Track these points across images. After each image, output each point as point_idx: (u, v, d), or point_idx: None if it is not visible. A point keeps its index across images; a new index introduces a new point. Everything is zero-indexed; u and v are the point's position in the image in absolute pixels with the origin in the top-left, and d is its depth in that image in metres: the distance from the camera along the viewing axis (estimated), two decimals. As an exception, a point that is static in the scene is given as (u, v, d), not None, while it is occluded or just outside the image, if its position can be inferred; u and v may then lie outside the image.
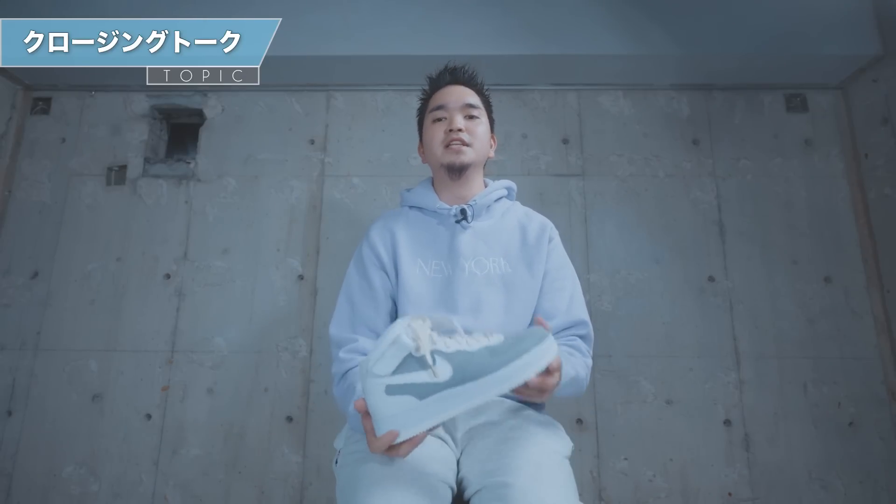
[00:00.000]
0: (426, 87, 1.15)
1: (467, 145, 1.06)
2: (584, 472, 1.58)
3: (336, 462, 0.90)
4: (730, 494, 1.56)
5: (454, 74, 1.12)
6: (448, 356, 0.71)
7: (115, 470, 1.60)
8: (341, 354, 0.97)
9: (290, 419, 1.63)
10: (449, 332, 0.75)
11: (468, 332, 0.77)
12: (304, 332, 1.69)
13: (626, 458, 1.59)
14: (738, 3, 1.69)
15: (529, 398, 0.84)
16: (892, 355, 1.63)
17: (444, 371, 0.70)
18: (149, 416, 1.63)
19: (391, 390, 0.71)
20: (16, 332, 1.69)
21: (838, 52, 1.68)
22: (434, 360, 0.71)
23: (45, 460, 1.61)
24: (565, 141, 1.83)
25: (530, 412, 0.96)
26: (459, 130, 1.05)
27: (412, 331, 0.71)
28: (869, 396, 1.61)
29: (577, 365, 0.95)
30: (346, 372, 0.95)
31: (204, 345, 1.68)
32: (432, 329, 0.73)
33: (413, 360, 0.71)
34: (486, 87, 1.15)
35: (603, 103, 1.86)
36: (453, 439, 0.89)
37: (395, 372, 0.71)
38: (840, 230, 1.73)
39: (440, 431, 0.88)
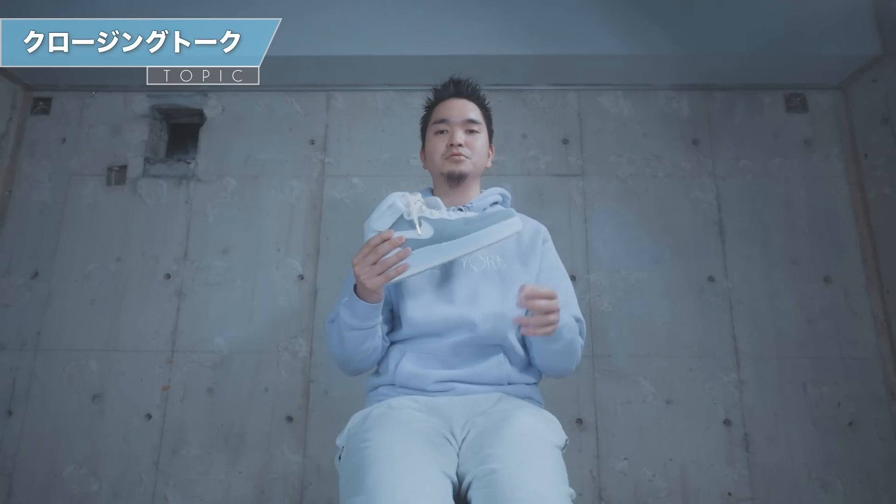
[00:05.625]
0: (431, 97, 1.21)
1: (466, 157, 1.12)
2: (584, 472, 1.58)
3: (339, 458, 0.91)
4: (730, 494, 1.56)
5: (458, 87, 1.17)
6: (431, 221, 0.91)
7: (116, 470, 1.60)
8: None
9: (290, 419, 1.63)
10: (436, 207, 0.94)
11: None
12: (304, 332, 1.69)
13: (626, 458, 1.59)
14: (738, 3, 1.69)
15: (539, 326, 0.88)
16: (891, 355, 1.63)
17: (426, 231, 0.90)
18: (149, 416, 1.63)
19: None
20: (16, 332, 1.69)
21: (838, 52, 1.68)
22: (420, 223, 0.90)
23: (45, 460, 1.61)
24: (565, 141, 1.83)
25: (527, 405, 0.98)
26: (460, 145, 1.11)
27: (405, 199, 0.91)
28: (869, 396, 1.61)
29: (569, 319, 1.00)
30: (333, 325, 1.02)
31: (204, 345, 1.68)
32: (422, 203, 0.93)
33: (404, 222, 0.90)
34: (487, 101, 1.21)
35: (603, 103, 1.86)
36: (452, 433, 0.91)
37: (389, 228, 0.90)
38: (840, 230, 1.73)
39: (441, 427, 0.91)
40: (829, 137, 1.80)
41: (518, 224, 0.91)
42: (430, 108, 1.21)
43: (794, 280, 1.70)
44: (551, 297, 0.87)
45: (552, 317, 0.88)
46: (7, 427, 1.63)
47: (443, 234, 0.89)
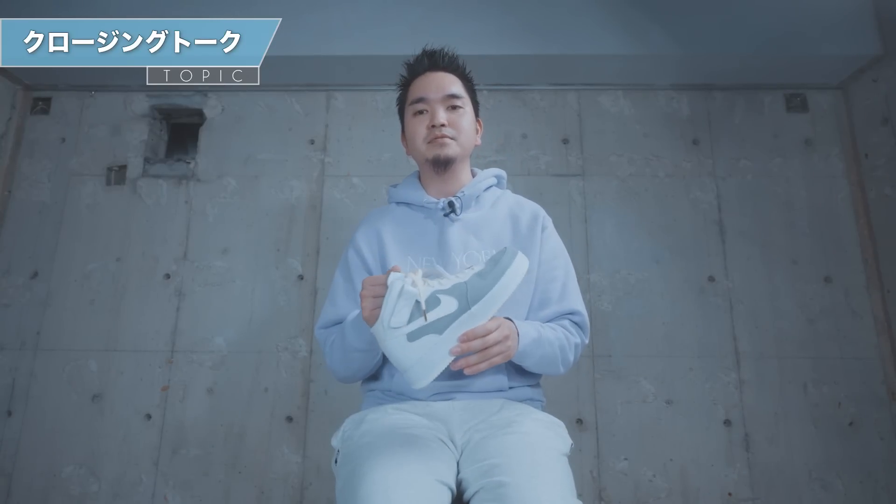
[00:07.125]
0: (404, 74, 1.09)
1: (452, 139, 1.02)
2: (584, 472, 1.58)
3: (335, 461, 0.90)
4: (730, 494, 1.56)
5: (433, 59, 1.05)
6: (448, 291, 0.80)
7: (115, 470, 1.60)
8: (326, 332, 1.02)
9: (290, 419, 1.63)
10: (437, 276, 0.84)
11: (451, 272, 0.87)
12: (304, 332, 1.69)
13: (626, 458, 1.59)
14: (738, 3, 1.69)
15: (480, 362, 0.81)
16: (892, 355, 1.63)
17: (450, 304, 0.79)
18: (149, 416, 1.63)
19: (412, 336, 0.79)
20: (16, 332, 1.69)
21: (838, 52, 1.68)
22: (438, 300, 0.79)
23: (45, 460, 1.60)
24: (565, 141, 1.83)
25: (529, 410, 0.95)
26: (443, 126, 1.01)
27: (409, 280, 0.80)
28: (869, 396, 1.61)
29: (543, 330, 0.93)
30: (333, 339, 0.98)
31: (204, 345, 1.68)
32: (424, 276, 0.83)
33: (420, 305, 0.79)
34: (468, 70, 1.09)
35: (603, 103, 1.86)
36: (452, 441, 0.88)
37: (410, 320, 0.79)
38: (840, 230, 1.73)
39: (440, 432, 0.88)
40: (830, 137, 1.80)
41: (525, 259, 0.82)
42: (405, 85, 1.08)
43: (794, 280, 1.69)
44: (487, 333, 0.80)
45: (494, 349, 0.81)
46: (7, 427, 1.63)
47: (467, 299, 0.79)
